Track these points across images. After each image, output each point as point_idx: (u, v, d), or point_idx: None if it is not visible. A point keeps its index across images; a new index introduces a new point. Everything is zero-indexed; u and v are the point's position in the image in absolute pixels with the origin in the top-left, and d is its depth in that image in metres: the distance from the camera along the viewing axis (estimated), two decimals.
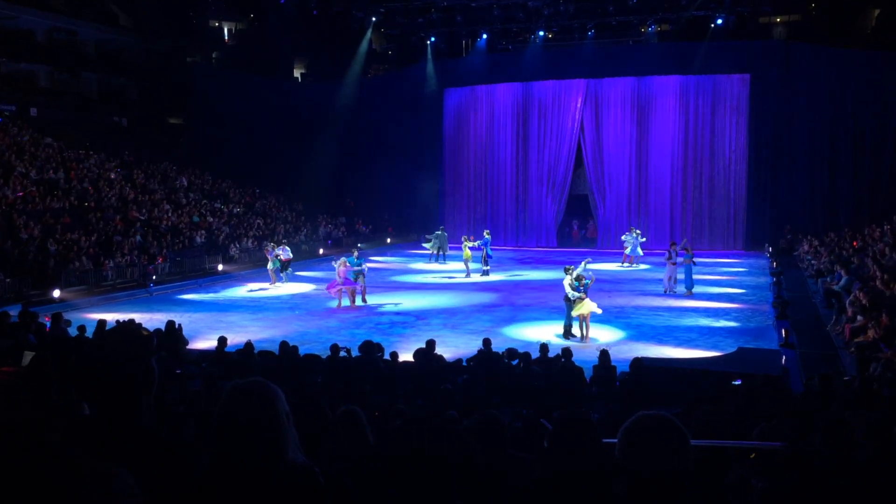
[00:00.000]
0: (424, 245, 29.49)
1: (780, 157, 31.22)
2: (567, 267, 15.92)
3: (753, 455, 4.86)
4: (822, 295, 18.55)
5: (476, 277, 24.31)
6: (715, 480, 3.37)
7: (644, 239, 27.83)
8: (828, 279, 19.45)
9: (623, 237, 28.07)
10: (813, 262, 23.69)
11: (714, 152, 32.28)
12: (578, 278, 15.29)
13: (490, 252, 25.11)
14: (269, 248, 23.66)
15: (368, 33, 36.43)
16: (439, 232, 28.86)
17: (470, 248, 24.86)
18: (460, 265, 25.47)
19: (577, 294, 15.08)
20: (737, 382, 9.97)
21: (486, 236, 25.46)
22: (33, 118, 33.63)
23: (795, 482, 2.80)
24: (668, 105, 32.75)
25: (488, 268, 24.82)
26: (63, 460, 1.41)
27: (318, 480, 2.16)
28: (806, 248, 26.42)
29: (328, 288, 20.10)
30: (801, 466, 2.91)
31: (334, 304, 19.71)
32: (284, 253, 23.47)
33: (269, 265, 23.26)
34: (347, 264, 19.36)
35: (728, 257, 29.67)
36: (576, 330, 15.49)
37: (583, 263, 16.80)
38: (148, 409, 2.37)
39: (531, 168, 34.86)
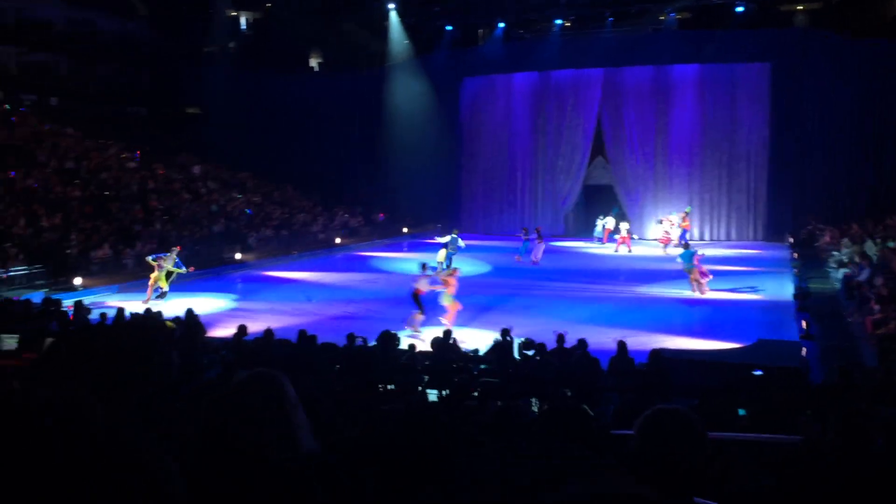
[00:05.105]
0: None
1: (801, 146, 30.81)
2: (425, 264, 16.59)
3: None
4: (844, 286, 18.35)
5: None
6: (726, 473, 3.34)
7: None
8: (849, 270, 19.25)
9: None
10: (834, 252, 23.44)
11: (734, 141, 31.93)
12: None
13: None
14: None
15: (394, 16, 36.04)
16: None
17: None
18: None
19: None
20: (757, 373, 9.89)
21: (175, 256, 19.56)
22: (53, 108, 33.93)
23: (808, 476, 2.77)
24: (686, 94, 32.42)
25: (166, 290, 19.24)
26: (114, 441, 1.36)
27: (331, 470, 2.17)
28: (827, 238, 26.12)
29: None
30: (815, 460, 2.88)
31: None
32: None
33: None
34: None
35: (748, 248, 29.43)
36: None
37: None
38: (164, 400, 2.38)
39: (548, 158, 34.70)
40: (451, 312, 15.33)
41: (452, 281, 15.53)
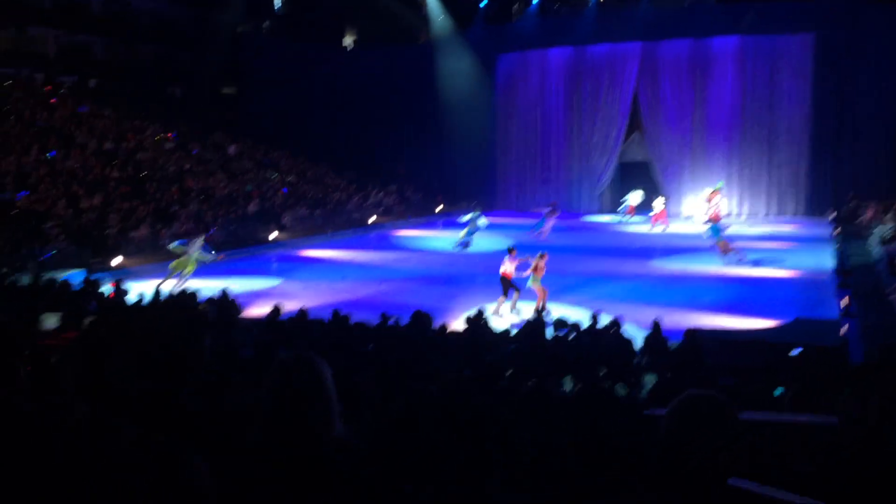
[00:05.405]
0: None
1: (844, 120, 30.03)
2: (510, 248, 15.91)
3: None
4: (886, 263, 17.94)
5: None
6: (759, 456, 3.29)
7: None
8: (892, 247, 18.81)
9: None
10: (877, 228, 22.92)
11: (774, 116, 31.24)
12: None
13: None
14: None
15: None
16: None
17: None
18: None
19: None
20: (795, 353, 9.72)
21: (202, 242, 18.40)
22: (92, 89, 34.41)
23: (847, 462, 2.71)
24: (726, 67, 31.76)
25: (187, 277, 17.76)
26: (129, 441, 1.35)
27: (363, 453, 2.18)
28: (870, 214, 25.53)
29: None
30: (853, 444, 2.82)
31: None
32: None
33: None
34: None
35: (788, 223, 28.89)
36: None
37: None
38: (197, 384, 2.41)
39: (583, 134, 34.34)
40: (541, 297, 15.01)
41: (542, 265, 15.20)
